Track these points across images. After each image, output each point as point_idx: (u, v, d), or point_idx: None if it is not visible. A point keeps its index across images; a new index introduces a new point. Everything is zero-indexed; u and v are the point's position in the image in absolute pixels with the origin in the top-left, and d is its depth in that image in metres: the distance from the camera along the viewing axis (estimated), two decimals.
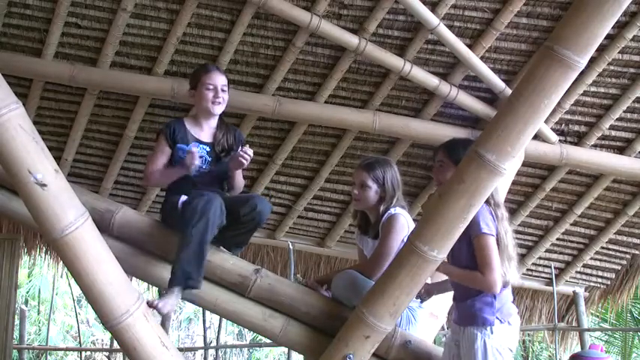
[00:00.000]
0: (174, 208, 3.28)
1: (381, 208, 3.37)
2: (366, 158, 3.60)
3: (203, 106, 3.48)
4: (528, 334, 8.31)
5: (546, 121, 4.46)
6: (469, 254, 2.88)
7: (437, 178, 3.18)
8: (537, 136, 4.51)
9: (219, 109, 3.50)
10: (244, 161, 3.33)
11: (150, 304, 2.92)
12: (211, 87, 3.45)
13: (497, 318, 2.84)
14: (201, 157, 3.40)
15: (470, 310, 2.89)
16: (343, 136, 4.80)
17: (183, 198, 3.29)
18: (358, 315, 2.94)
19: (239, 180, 3.57)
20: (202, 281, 3.12)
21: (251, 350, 13.41)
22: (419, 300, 3.37)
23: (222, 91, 3.48)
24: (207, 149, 3.46)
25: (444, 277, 3.19)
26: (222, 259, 3.30)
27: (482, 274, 2.80)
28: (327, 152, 4.94)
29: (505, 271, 2.87)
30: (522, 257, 5.42)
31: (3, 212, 3.58)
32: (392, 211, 3.33)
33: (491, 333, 2.81)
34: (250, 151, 3.36)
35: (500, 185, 3.17)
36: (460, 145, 3.01)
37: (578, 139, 4.77)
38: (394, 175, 3.43)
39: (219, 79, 3.48)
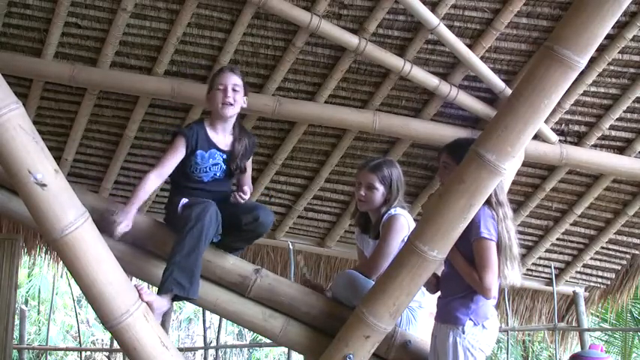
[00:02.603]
0: (176, 209, 3.27)
1: (383, 208, 3.37)
2: (371, 159, 3.58)
3: (214, 108, 3.35)
4: (528, 334, 8.30)
5: (546, 121, 4.46)
6: (468, 255, 2.88)
7: (442, 180, 3.17)
8: (537, 136, 4.51)
9: (229, 111, 3.34)
10: (242, 201, 3.36)
11: (140, 293, 2.86)
12: (221, 87, 3.31)
13: (470, 319, 2.86)
14: (216, 164, 3.36)
15: (446, 308, 2.95)
16: (343, 136, 4.80)
17: (184, 201, 3.27)
18: (358, 315, 2.93)
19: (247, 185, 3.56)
20: (197, 290, 3.05)
21: (251, 350, 13.40)
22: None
23: (234, 91, 3.32)
24: (224, 157, 3.36)
25: None
26: (223, 259, 3.30)
27: (479, 277, 2.81)
28: (327, 152, 4.94)
29: (507, 273, 2.87)
30: (522, 257, 5.41)
31: (3, 212, 3.57)
32: (392, 211, 3.33)
33: (463, 333, 2.85)
34: (247, 195, 3.36)
35: (503, 181, 3.16)
36: (463, 146, 3.00)
37: (578, 139, 4.77)
38: (399, 176, 3.43)
39: (230, 79, 3.33)
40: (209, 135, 3.36)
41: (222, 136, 3.40)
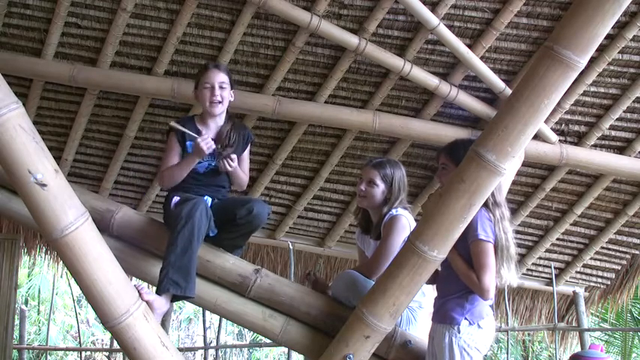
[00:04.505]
0: (169, 206, 3.29)
1: (385, 209, 3.37)
2: (376, 157, 3.64)
3: (203, 106, 3.46)
4: (528, 334, 8.31)
5: (546, 121, 4.46)
6: (466, 257, 2.88)
7: (441, 181, 3.17)
8: (537, 136, 4.51)
9: (218, 109, 3.44)
10: (228, 168, 3.36)
11: (141, 293, 2.88)
12: (208, 86, 3.40)
13: (465, 319, 2.88)
14: (212, 154, 3.39)
15: (442, 308, 2.96)
16: (343, 136, 4.80)
17: (176, 199, 3.28)
18: (358, 315, 2.94)
19: (240, 176, 3.55)
20: (194, 289, 3.07)
21: (251, 350, 13.41)
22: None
23: (221, 88, 3.41)
24: (217, 146, 3.42)
25: None
26: (222, 259, 3.30)
27: (477, 279, 2.81)
28: (327, 152, 4.94)
29: (503, 273, 2.87)
30: (522, 257, 5.43)
31: (3, 212, 3.58)
32: (393, 211, 3.34)
33: (458, 332, 2.86)
34: (234, 162, 3.36)
35: (502, 183, 3.17)
36: (461, 147, 3.01)
37: (578, 139, 4.77)
38: (402, 177, 3.44)
39: (216, 77, 3.41)
40: (198, 127, 3.45)
41: (213, 129, 3.48)
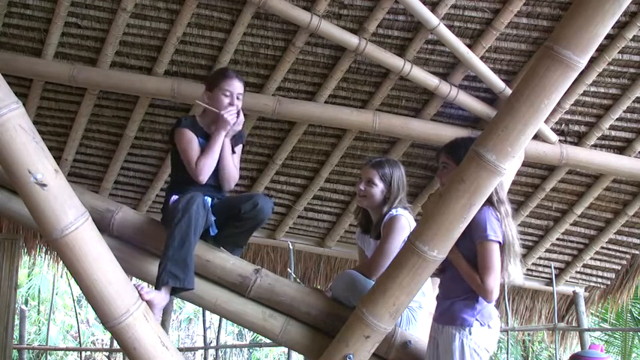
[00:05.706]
0: (168, 206, 3.30)
1: (385, 208, 3.38)
2: (375, 157, 3.65)
3: (216, 109, 3.42)
4: (528, 334, 8.31)
5: (546, 121, 4.46)
6: (469, 256, 2.87)
7: (441, 180, 3.15)
8: (537, 136, 4.51)
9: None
10: (230, 120, 3.37)
11: (140, 292, 2.87)
12: (228, 93, 3.41)
13: (476, 320, 2.85)
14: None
15: (450, 309, 2.92)
16: (343, 136, 4.80)
17: (174, 197, 3.29)
18: (358, 315, 2.93)
19: (231, 165, 3.47)
20: (193, 281, 3.07)
21: (251, 350, 13.41)
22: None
23: (237, 99, 3.44)
24: None
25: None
26: (222, 259, 3.30)
27: (482, 280, 2.80)
28: (327, 152, 4.94)
29: (510, 270, 2.86)
30: (522, 257, 5.41)
31: (3, 212, 3.57)
32: (393, 212, 3.34)
33: (470, 334, 2.84)
34: (233, 109, 3.39)
35: (504, 181, 3.16)
36: (461, 145, 3.00)
37: (578, 139, 4.77)
38: (401, 176, 3.44)
39: (237, 87, 3.44)
40: (202, 127, 3.47)
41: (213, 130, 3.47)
